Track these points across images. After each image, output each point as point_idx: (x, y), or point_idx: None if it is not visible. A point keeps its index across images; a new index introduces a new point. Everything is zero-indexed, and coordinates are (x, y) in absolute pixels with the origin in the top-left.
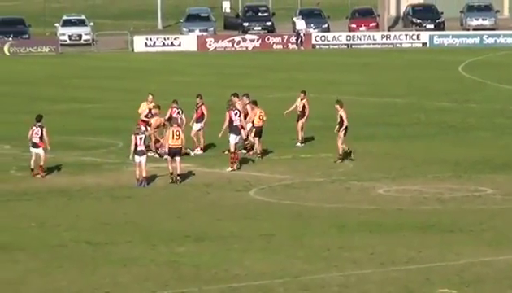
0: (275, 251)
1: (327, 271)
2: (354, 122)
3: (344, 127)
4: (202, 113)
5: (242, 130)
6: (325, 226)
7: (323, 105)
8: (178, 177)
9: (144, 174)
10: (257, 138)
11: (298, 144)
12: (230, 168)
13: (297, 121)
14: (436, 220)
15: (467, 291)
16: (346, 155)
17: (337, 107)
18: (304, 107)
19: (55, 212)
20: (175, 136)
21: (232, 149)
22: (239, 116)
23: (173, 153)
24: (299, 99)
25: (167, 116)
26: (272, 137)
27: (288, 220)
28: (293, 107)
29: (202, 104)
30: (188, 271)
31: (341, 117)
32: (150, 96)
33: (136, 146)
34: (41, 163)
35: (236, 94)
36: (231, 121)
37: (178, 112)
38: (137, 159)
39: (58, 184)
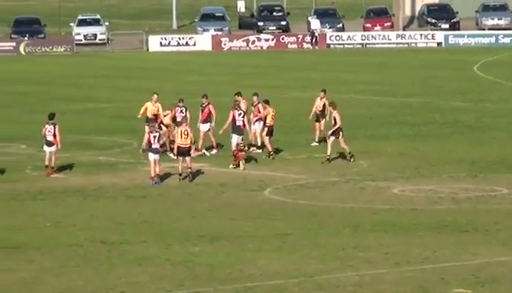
0: (290, 251)
1: (342, 271)
2: (369, 122)
3: (336, 128)
4: (209, 113)
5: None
6: (340, 226)
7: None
8: (190, 175)
9: (157, 171)
10: (267, 137)
11: (314, 143)
12: (232, 166)
13: (316, 121)
14: (451, 219)
15: (482, 291)
16: (349, 156)
17: (331, 109)
18: (324, 105)
19: (70, 211)
20: (183, 135)
21: (233, 148)
22: (242, 117)
23: (182, 152)
24: (319, 98)
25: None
26: (287, 137)
27: (303, 220)
28: (314, 108)
29: (209, 104)
30: (203, 271)
31: (335, 119)
32: (155, 96)
33: (150, 143)
34: (52, 164)
35: (239, 93)
36: (234, 121)
37: (181, 111)
38: (151, 157)
39: (73, 183)
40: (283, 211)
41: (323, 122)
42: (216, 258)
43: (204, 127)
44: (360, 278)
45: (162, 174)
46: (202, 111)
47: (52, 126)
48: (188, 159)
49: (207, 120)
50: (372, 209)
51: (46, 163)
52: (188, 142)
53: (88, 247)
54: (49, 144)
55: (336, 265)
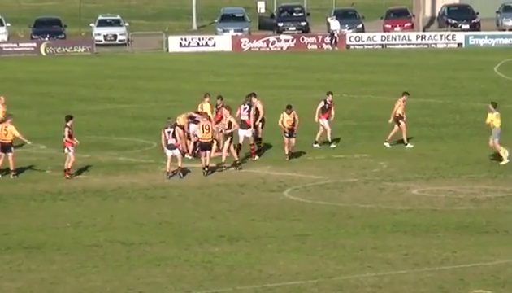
0: (309, 252)
1: (361, 271)
2: (388, 123)
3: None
4: (222, 116)
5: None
6: (359, 227)
7: (357, 105)
8: (206, 169)
9: (179, 164)
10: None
11: (409, 145)
12: (256, 158)
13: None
14: (471, 220)
15: (503, 292)
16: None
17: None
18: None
19: (90, 212)
20: (204, 130)
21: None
22: (247, 111)
23: (203, 147)
24: (401, 101)
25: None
26: (307, 137)
27: (322, 221)
28: (396, 110)
29: (223, 106)
30: (223, 271)
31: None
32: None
33: (166, 140)
34: (69, 166)
35: (254, 94)
36: (239, 116)
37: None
38: (168, 152)
39: (92, 184)
40: (302, 211)
41: (402, 124)
42: (235, 258)
43: (218, 128)
44: (379, 279)
45: (184, 167)
46: (217, 112)
47: (66, 129)
48: (208, 152)
49: (220, 121)
50: (391, 210)
51: (65, 166)
52: (210, 136)
53: (108, 248)
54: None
55: (354, 266)
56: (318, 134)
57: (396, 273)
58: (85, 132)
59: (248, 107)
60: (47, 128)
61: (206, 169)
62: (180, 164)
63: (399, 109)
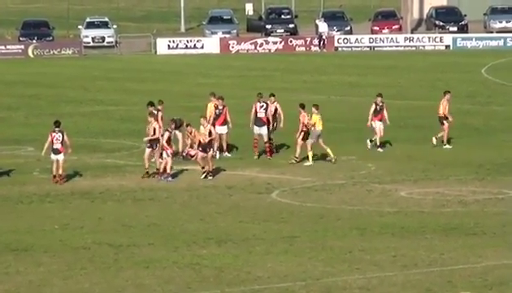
0: (297, 254)
1: (349, 273)
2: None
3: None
4: (226, 116)
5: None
6: (347, 229)
7: (345, 107)
8: (210, 173)
9: (168, 170)
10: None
11: (447, 146)
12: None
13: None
14: (459, 222)
15: None
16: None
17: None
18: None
19: (78, 214)
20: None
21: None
22: (264, 109)
23: (203, 149)
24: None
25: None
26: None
27: (310, 223)
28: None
29: (225, 106)
30: (211, 273)
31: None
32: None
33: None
34: (60, 171)
35: (273, 94)
36: (256, 113)
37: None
38: (164, 154)
39: (80, 186)
40: (290, 213)
41: (446, 125)
42: (224, 260)
43: (220, 129)
44: (367, 281)
45: (172, 172)
46: (220, 114)
47: (60, 134)
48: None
49: (224, 122)
50: (379, 212)
51: (54, 172)
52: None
53: (96, 250)
54: (57, 152)
55: (343, 268)
56: (376, 137)
57: (384, 275)
58: (73, 134)
59: (265, 105)
60: (35, 130)
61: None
62: (168, 169)
63: (444, 109)
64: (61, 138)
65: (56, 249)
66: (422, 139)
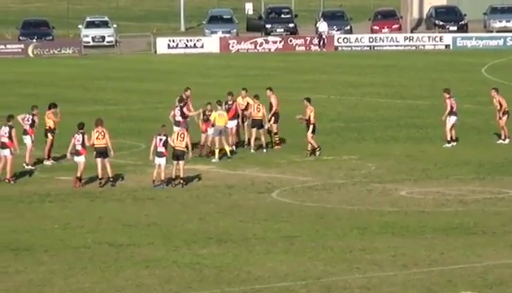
0: (298, 253)
1: (349, 273)
2: (377, 124)
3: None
4: (236, 110)
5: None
6: (347, 228)
7: (345, 107)
8: (182, 181)
9: (162, 177)
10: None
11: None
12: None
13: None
14: (459, 222)
15: None
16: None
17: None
18: (500, 103)
19: (78, 213)
20: (179, 138)
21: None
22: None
23: (176, 156)
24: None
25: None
26: (294, 140)
27: (311, 222)
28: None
29: (234, 102)
30: (211, 273)
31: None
32: (244, 91)
33: (155, 147)
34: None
35: (270, 88)
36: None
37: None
38: (157, 160)
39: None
40: (290, 213)
41: (504, 118)
42: (224, 260)
43: (231, 123)
44: (367, 280)
45: (167, 179)
46: (229, 108)
47: (81, 135)
48: (181, 163)
49: (234, 117)
50: (379, 211)
51: (78, 174)
52: (183, 145)
53: (96, 249)
54: (79, 154)
55: (343, 267)
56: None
57: (384, 274)
58: (72, 133)
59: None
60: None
61: (177, 181)
62: (162, 176)
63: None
64: (81, 140)
65: (56, 248)
66: (422, 139)
